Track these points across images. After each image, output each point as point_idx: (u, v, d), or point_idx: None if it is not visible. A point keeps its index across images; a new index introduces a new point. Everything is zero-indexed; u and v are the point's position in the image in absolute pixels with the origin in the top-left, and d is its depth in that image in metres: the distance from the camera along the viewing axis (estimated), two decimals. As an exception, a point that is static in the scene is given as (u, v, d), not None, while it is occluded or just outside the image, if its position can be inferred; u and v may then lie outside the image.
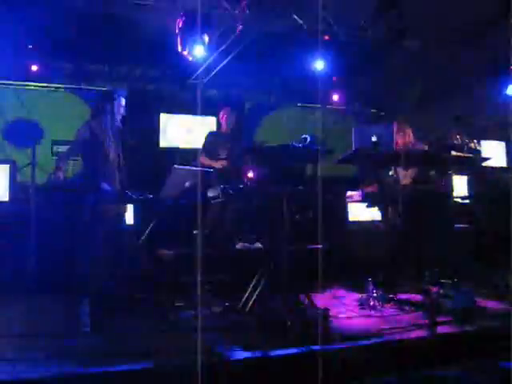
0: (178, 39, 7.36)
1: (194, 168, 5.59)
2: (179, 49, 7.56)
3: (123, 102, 5.22)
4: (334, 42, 6.97)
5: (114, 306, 4.57)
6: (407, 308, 5.00)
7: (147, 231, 5.44)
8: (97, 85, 8.69)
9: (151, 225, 5.40)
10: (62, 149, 7.39)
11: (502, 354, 4.00)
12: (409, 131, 5.96)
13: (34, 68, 8.21)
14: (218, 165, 6.11)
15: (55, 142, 8.26)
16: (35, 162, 5.74)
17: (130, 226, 6.10)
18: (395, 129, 5.80)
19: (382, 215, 5.90)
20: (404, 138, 5.88)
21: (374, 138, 5.06)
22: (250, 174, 5.45)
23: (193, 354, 3.51)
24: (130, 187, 5.71)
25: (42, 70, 8.34)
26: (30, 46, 7.80)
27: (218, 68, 8.43)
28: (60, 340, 3.87)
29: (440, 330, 4.22)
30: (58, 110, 8.46)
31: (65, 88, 8.73)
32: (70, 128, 7.61)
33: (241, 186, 5.08)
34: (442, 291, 5.04)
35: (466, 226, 6.86)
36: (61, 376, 3.12)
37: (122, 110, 5.22)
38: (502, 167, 8.79)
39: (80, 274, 4.72)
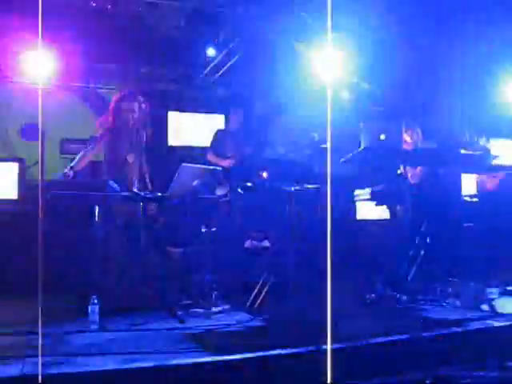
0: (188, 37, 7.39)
1: (203, 166, 5.59)
2: (188, 47, 7.60)
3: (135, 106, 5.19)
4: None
5: (123, 305, 4.58)
6: (415, 306, 4.99)
7: (156, 228, 5.46)
8: (105, 83, 8.70)
9: (159, 223, 5.42)
10: (72, 147, 7.40)
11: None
12: (417, 130, 5.94)
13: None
14: (226, 164, 6.12)
15: (64, 141, 8.27)
16: (43, 159, 5.72)
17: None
18: (403, 127, 5.80)
19: (391, 214, 5.88)
20: (412, 136, 5.87)
21: (382, 136, 5.05)
22: (265, 174, 5.46)
23: (200, 353, 3.54)
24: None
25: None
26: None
27: (228, 66, 8.43)
28: (68, 338, 3.90)
29: (447, 328, 4.21)
30: (67, 109, 8.48)
31: (74, 86, 8.74)
32: (79, 127, 7.67)
33: (249, 185, 5.08)
34: (450, 289, 5.03)
35: (474, 224, 6.83)
36: (70, 375, 3.13)
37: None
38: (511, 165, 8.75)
39: (89, 273, 4.73)
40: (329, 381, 3.10)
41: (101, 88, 8.60)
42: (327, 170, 3.22)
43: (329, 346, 3.33)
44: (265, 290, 4.44)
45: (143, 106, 5.21)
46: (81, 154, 5.13)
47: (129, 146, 5.09)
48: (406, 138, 5.80)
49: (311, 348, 3.62)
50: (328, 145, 3.29)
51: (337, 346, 3.62)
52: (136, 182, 5.11)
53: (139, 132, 5.13)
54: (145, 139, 5.21)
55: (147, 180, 5.17)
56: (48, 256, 5.31)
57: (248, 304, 4.52)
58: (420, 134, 5.97)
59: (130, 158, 5.06)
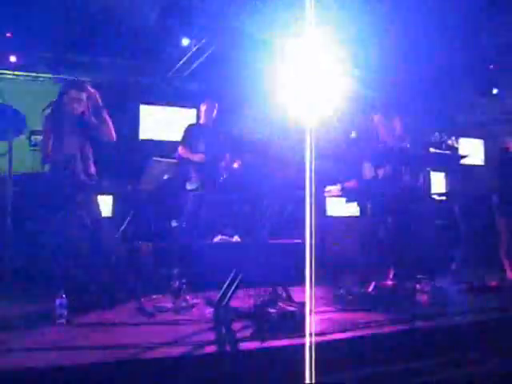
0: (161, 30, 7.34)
1: (173, 160, 5.56)
2: (161, 40, 7.54)
3: (82, 95, 5.07)
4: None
5: (91, 298, 4.54)
6: (383, 302, 5.04)
7: (125, 223, 5.41)
8: (77, 75, 8.59)
9: (129, 216, 5.38)
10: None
11: (475, 348, 4.07)
12: (396, 123, 5.90)
13: (13, 58, 8.09)
14: (197, 158, 6.08)
15: (33, 133, 8.14)
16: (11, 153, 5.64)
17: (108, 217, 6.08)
18: (377, 120, 5.82)
19: (361, 211, 5.93)
20: (389, 129, 5.84)
21: (353, 134, 5.09)
22: (236, 165, 5.44)
23: (169, 346, 3.52)
24: (109, 178, 5.68)
25: (21, 58, 8.22)
26: (9, 35, 7.69)
27: (200, 60, 8.39)
28: (35, 332, 3.84)
29: (415, 324, 4.26)
30: (37, 100, 8.34)
31: (44, 77, 8.62)
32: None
33: (220, 179, 5.06)
34: (418, 286, 5.09)
35: (442, 222, 6.93)
36: (35, 369, 3.09)
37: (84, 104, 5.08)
38: (479, 165, 8.90)
39: (56, 266, 4.67)
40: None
41: (71, 79, 8.48)
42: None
43: (307, 340, 3.36)
44: (235, 284, 4.43)
45: (93, 96, 5.09)
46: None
47: (71, 133, 4.95)
48: (383, 130, 5.81)
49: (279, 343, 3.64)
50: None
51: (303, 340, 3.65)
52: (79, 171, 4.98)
53: (85, 121, 4.99)
54: (93, 129, 5.05)
55: (91, 170, 5.04)
56: (15, 250, 5.26)
57: (217, 299, 4.51)
58: (399, 126, 5.95)
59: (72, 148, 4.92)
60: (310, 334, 3.74)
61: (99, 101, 5.09)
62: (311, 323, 3.97)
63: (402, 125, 5.89)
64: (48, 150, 4.88)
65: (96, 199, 4.99)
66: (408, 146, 5.65)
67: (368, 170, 5.66)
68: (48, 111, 5.05)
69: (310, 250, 3.77)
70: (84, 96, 5.01)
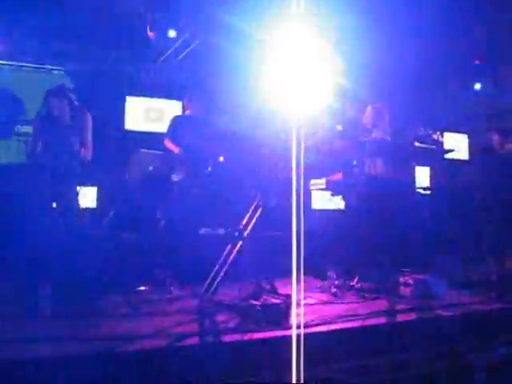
0: (147, 21, 7.30)
1: (159, 152, 5.54)
2: (148, 31, 7.50)
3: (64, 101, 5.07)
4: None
5: (76, 290, 4.52)
6: (367, 296, 5.08)
7: (110, 214, 5.40)
8: (62, 64, 8.53)
9: (114, 208, 5.36)
10: (25, 129, 7.24)
11: (459, 340, 4.12)
12: (386, 114, 5.90)
13: (-3, 46, 8.02)
14: (177, 150, 6.01)
15: (16, 122, 8.08)
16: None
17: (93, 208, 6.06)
18: (370, 111, 5.83)
19: (346, 204, 5.94)
20: (378, 121, 5.85)
21: (339, 127, 5.10)
22: (221, 159, 5.43)
23: (153, 338, 3.53)
24: (94, 169, 5.65)
25: (6, 47, 8.14)
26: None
27: (187, 51, 8.36)
28: (19, 324, 3.83)
29: (399, 317, 4.30)
30: (22, 90, 8.28)
31: (28, 66, 8.54)
32: (34, 108, 7.49)
33: (206, 172, 5.05)
34: (401, 279, 5.13)
35: (427, 216, 6.97)
36: (19, 361, 3.08)
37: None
38: (463, 159, 8.96)
39: (41, 258, 4.64)
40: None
41: (57, 69, 8.43)
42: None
43: (293, 332, 3.37)
44: (220, 276, 4.43)
45: (75, 102, 5.12)
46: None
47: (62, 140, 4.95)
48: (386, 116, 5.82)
49: (264, 334, 3.65)
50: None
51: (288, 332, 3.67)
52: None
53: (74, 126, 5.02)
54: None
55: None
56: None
57: (202, 290, 4.51)
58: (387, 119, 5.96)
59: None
60: (295, 327, 3.76)
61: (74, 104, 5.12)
62: (296, 315, 3.99)
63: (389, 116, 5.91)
64: (36, 152, 4.90)
65: (76, 190, 4.99)
66: (389, 139, 5.67)
67: (379, 166, 5.68)
68: (38, 115, 5.07)
69: (297, 243, 3.78)
70: (65, 103, 5.02)
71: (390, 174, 5.63)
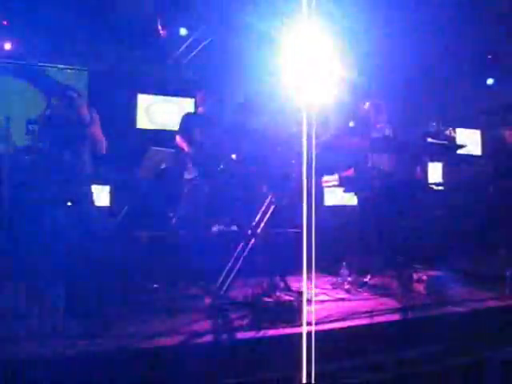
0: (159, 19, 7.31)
1: (171, 150, 5.55)
2: (159, 29, 7.50)
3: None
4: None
5: (89, 289, 4.54)
6: (379, 292, 5.07)
7: (123, 212, 5.41)
8: (74, 64, 8.56)
9: (126, 206, 5.38)
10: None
11: (472, 337, 4.10)
12: (384, 112, 5.91)
13: (8, 45, 8.04)
14: (188, 150, 5.99)
15: (30, 122, 8.12)
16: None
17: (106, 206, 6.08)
18: (371, 107, 5.82)
19: (359, 200, 5.93)
20: (378, 117, 5.86)
21: (351, 124, 5.09)
22: (234, 156, 5.43)
23: (167, 336, 3.54)
24: (107, 168, 5.67)
25: (17, 47, 8.17)
26: (5, 23, 7.65)
27: (198, 49, 8.37)
28: (33, 323, 3.85)
29: (412, 314, 4.29)
30: (33, 89, 8.32)
31: (40, 66, 8.57)
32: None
33: (218, 169, 5.06)
34: (415, 276, 5.11)
35: (440, 212, 6.95)
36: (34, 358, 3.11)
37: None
38: (476, 155, 8.91)
39: (54, 256, 4.66)
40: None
41: (69, 68, 8.46)
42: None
43: (304, 329, 3.38)
44: (233, 273, 4.44)
45: (76, 100, 5.05)
46: None
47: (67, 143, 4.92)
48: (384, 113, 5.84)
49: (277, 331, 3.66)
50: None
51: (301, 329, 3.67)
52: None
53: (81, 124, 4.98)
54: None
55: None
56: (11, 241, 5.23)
57: (216, 288, 4.53)
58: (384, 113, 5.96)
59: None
60: (308, 323, 3.77)
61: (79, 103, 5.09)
62: (308, 312, 3.99)
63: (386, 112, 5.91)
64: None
65: (90, 189, 4.98)
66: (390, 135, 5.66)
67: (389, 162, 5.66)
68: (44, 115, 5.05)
69: (308, 240, 3.78)
70: (66, 103, 4.96)
71: (400, 170, 5.61)
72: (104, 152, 4.98)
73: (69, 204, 4.77)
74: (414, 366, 3.82)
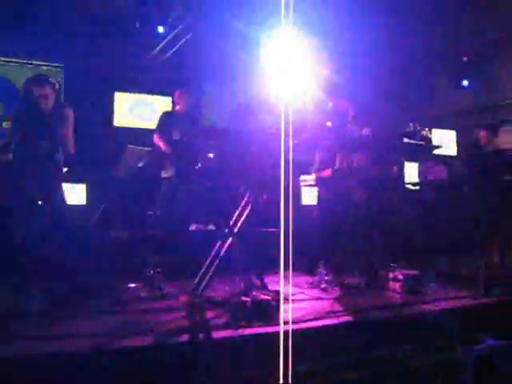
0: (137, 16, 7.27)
1: (147, 148, 5.53)
2: (137, 26, 7.47)
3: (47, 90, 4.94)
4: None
5: (64, 288, 4.51)
6: (356, 291, 5.11)
7: (99, 211, 5.38)
8: (50, 60, 8.48)
9: (103, 204, 5.34)
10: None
11: (447, 335, 4.16)
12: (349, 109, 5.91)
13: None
14: (165, 149, 5.96)
15: (2, 118, 8.03)
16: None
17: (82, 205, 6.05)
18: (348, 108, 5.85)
19: (321, 198, 5.96)
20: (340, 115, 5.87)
21: (328, 123, 5.12)
22: (211, 155, 5.42)
23: (143, 335, 3.52)
24: (83, 166, 5.62)
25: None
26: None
27: (176, 47, 8.34)
28: (7, 322, 3.81)
29: (388, 312, 4.33)
30: (10, 85, 8.23)
31: (16, 62, 8.48)
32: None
33: (195, 168, 5.05)
34: (391, 275, 5.15)
35: (416, 212, 7.01)
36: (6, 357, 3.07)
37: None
38: (451, 156, 9.01)
39: (28, 256, 4.61)
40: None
41: (45, 65, 8.38)
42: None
43: (281, 328, 3.38)
44: (210, 272, 4.44)
45: (57, 88, 4.98)
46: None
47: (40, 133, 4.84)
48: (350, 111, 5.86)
49: (254, 330, 3.66)
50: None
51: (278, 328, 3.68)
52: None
53: (51, 119, 4.89)
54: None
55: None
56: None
57: (192, 287, 4.51)
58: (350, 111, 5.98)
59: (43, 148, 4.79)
60: (285, 323, 3.78)
61: (59, 95, 5.01)
62: (286, 311, 4.00)
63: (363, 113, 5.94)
64: (12, 144, 4.78)
65: (61, 187, 4.91)
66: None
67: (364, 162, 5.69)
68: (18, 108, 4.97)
69: (286, 239, 3.79)
70: (48, 90, 4.88)
71: (377, 170, 5.66)
72: (72, 152, 4.91)
73: (40, 203, 4.72)
74: (390, 364, 3.85)
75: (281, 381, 3.13)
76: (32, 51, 8.37)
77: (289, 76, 3.87)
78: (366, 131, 5.86)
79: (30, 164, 4.68)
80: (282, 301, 3.82)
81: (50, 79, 4.93)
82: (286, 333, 3.44)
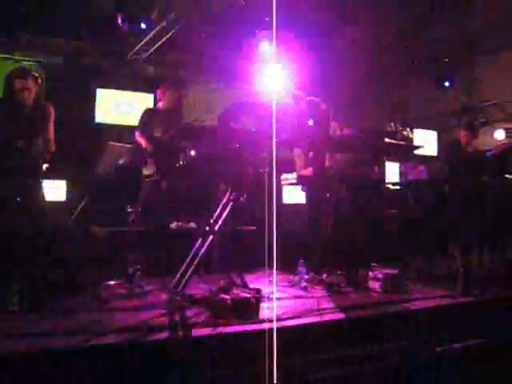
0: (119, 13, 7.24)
1: (128, 145, 5.50)
2: (119, 23, 7.42)
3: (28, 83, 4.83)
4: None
5: (45, 284, 4.47)
6: (336, 290, 5.13)
7: (79, 208, 5.34)
8: (32, 56, 8.40)
9: (84, 201, 5.31)
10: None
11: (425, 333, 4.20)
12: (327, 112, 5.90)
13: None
14: (146, 146, 5.92)
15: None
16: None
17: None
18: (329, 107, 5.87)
19: (310, 197, 5.97)
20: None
21: (310, 122, 5.13)
22: (193, 153, 5.40)
23: (122, 332, 3.51)
24: (64, 163, 5.58)
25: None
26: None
27: (158, 44, 8.32)
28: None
29: (368, 311, 4.35)
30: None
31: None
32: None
33: (177, 165, 5.03)
34: (371, 274, 5.18)
35: (395, 211, 7.07)
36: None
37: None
38: (432, 156, 9.09)
39: (7, 253, 4.57)
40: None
41: (27, 60, 8.31)
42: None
43: (262, 326, 3.39)
44: (190, 270, 4.43)
45: (40, 82, 4.91)
46: None
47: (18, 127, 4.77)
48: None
49: (234, 329, 3.67)
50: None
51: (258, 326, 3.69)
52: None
53: (32, 113, 4.82)
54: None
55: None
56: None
57: (172, 285, 4.51)
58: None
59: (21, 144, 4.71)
60: (265, 321, 3.79)
61: (42, 88, 4.95)
62: (267, 309, 4.01)
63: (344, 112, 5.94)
64: None
65: (40, 184, 4.86)
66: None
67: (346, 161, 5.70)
68: None
69: (269, 237, 3.80)
70: (30, 83, 4.82)
71: (358, 170, 5.68)
72: (53, 150, 4.86)
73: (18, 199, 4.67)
74: (369, 361, 3.87)
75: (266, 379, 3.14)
76: (13, 46, 8.29)
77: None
78: (346, 131, 5.88)
79: (5, 160, 4.62)
80: (258, 298, 3.84)
81: (32, 72, 4.88)
82: (269, 331, 3.45)
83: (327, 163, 5.73)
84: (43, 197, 4.86)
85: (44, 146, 4.78)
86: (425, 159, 8.26)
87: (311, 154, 5.76)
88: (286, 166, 5.76)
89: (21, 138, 4.61)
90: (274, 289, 4.78)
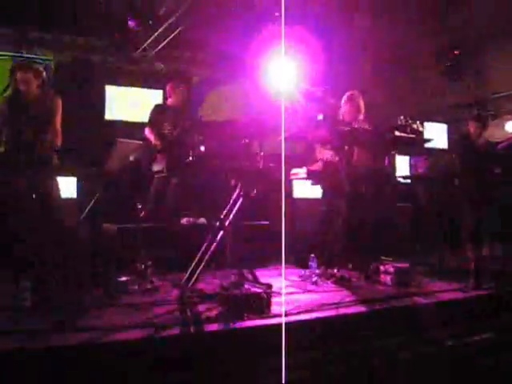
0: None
1: (138, 141, 5.50)
2: (128, 20, 7.43)
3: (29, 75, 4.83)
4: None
5: (57, 281, 4.49)
6: (348, 284, 5.12)
7: (90, 205, 5.35)
8: (40, 53, 8.41)
9: (94, 198, 5.32)
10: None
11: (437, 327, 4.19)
12: (361, 104, 5.86)
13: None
14: (157, 140, 5.92)
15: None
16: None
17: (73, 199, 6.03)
18: (345, 100, 5.83)
19: (324, 192, 5.96)
20: (352, 111, 5.82)
21: (320, 117, 5.11)
22: (202, 148, 5.40)
23: (134, 328, 3.52)
24: (73, 159, 5.60)
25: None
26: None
27: (167, 40, 8.30)
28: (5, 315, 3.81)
29: (379, 305, 4.34)
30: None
31: (5, 55, 8.41)
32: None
33: (186, 161, 5.03)
34: (382, 268, 5.17)
35: (406, 205, 7.04)
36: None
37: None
38: (443, 149, 9.03)
39: (21, 249, 4.59)
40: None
41: (36, 58, 8.31)
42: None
43: (274, 321, 3.39)
44: (200, 266, 4.43)
45: (43, 74, 4.92)
46: None
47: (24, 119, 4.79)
48: (346, 112, 5.83)
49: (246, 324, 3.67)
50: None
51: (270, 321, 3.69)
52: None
53: (35, 105, 4.84)
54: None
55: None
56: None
57: (183, 281, 4.51)
58: (363, 109, 5.93)
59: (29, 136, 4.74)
60: (277, 315, 3.79)
61: (45, 81, 4.97)
62: (278, 304, 4.01)
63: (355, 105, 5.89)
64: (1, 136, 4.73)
65: (56, 180, 4.89)
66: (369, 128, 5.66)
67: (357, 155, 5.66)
68: (5, 95, 4.91)
69: (279, 232, 3.79)
70: (32, 75, 4.83)
71: (368, 163, 5.65)
72: (59, 142, 4.87)
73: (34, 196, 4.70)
74: (379, 356, 3.86)
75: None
76: (22, 44, 8.30)
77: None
78: (357, 125, 5.84)
79: (14, 154, 4.64)
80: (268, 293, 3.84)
81: (34, 65, 4.90)
82: (279, 325, 3.45)
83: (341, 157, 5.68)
84: (59, 196, 4.90)
85: (52, 138, 4.81)
86: (434, 152, 8.22)
87: (318, 148, 5.75)
88: (295, 161, 5.75)
89: (29, 131, 4.64)
90: (283, 284, 4.79)
